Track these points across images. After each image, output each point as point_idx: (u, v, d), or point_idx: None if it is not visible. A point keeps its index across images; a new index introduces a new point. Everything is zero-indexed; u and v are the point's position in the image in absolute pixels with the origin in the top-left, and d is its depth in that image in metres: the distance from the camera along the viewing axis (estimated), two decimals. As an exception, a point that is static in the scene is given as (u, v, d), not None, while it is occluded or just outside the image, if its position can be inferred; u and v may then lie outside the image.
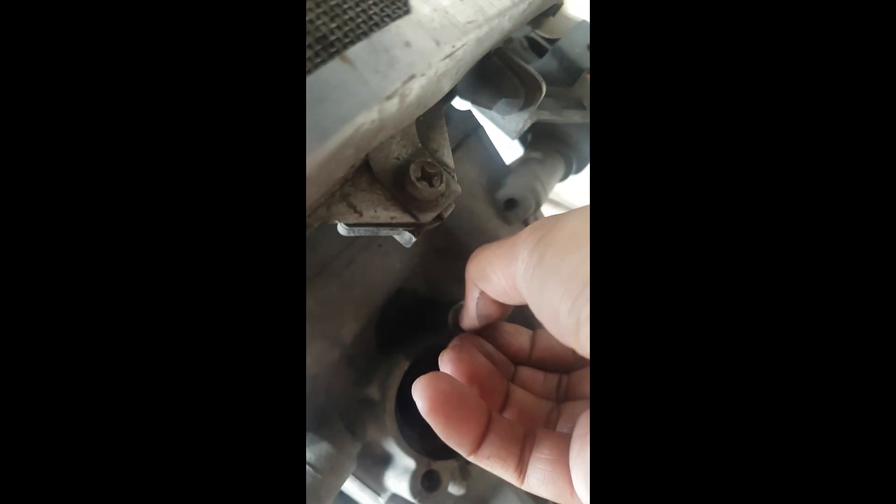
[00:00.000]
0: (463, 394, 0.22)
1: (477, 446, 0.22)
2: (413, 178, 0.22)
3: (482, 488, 0.46)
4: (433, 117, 0.25)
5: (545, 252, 0.19)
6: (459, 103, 0.35)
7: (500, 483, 0.46)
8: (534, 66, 0.34)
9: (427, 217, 0.22)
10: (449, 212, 0.24)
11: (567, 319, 0.18)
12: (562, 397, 0.26)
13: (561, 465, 0.21)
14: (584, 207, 0.20)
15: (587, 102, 0.37)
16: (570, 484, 0.21)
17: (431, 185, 0.22)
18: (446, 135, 0.25)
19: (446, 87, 0.21)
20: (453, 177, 0.24)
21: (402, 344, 0.34)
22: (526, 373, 0.27)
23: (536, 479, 0.22)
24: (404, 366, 0.33)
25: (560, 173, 0.39)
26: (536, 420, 0.25)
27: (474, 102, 0.28)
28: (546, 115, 0.33)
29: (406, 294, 0.36)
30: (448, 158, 0.24)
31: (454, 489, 0.39)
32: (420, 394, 0.22)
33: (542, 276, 0.19)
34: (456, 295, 0.37)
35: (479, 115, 0.36)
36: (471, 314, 0.26)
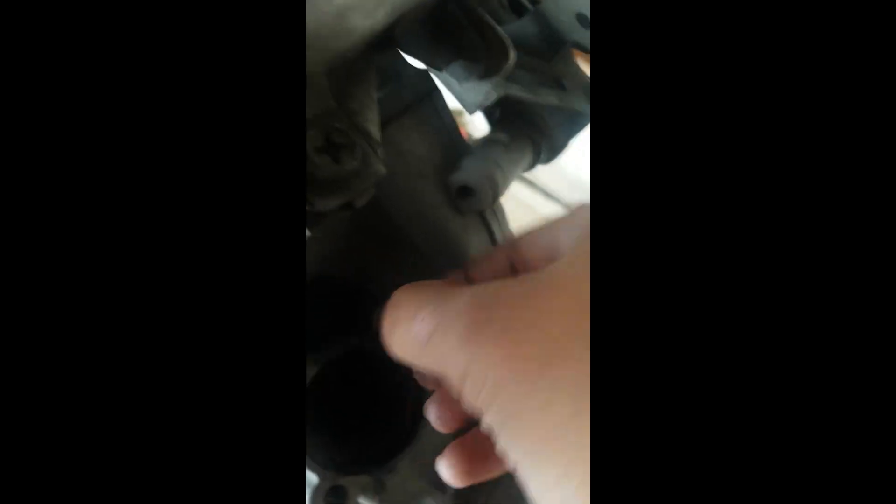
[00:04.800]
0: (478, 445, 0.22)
1: None
2: (310, 148, 0.16)
3: (402, 498, 0.42)
4: (357, 67, 0.19)
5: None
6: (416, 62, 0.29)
7: (421, 492, 0.43)
8: (507, 28, 0.28)
9: (326, 204, 0.16)
10: (365, 199, 0.18)
11: None
12: None
13: None
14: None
15: (569, 83, 0.31)
16: None
17: (337, 160, 0.16)
18: (374, 93, 0.19)
19: (360, 27, 0.15)
20: (376, 152, 0.18)
21: (313, 345, 0.29)
22: None
23: None
24: (310, 372, 0.28)
25: (526, 162, 0.33)
26: None
27: (422, 60, 0.22)
28: (516, 91, 0.28)
29: (327, 283, 0.30)
30: (372, 125, 0.19)
31: (366, 502, 0.35)
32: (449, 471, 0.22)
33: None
34: (389, 287, 0.32)
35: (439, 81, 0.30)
36: None
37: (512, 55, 0.21)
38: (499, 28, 0.21)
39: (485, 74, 0.22)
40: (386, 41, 0.20)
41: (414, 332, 0.18)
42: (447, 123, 0.31)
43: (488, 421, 0.16)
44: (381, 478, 0.36)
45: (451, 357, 0.17)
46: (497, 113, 0.34)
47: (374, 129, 0.19)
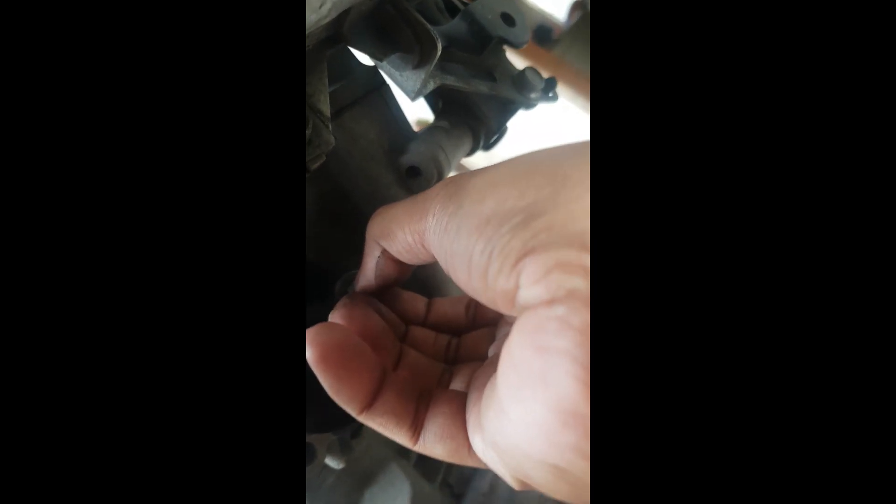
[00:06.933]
0: (356, 345, 0.21)
1: (370, 403, 0.21)
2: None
3: (367, 463, 0.45)
4: (311, 58, 0.22)
5: (462, 200, 0.19)
6: (366, 59, 0.33)
7: (386, 458, 0.46)
8: (442, 28, 0.32)
9: (286, 165, 0.20)
10: (317, 164, 0.22)
11: (479, 259, 0.17)
12: (452, 358, 0.26)
13: (457, 421, 0.21)
14: (500, 162, 0.19)
15: (499, 74, 0.36)
16: (465, 439, 0.20)
17: (294, 129, 0.20)
18: (326, 81, 0.23)
19: (308, 20, 0.19)
20: (327, 126, 0.22)
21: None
22: (418, 332, 0.27)
23: (432, 435, 0.21)
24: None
25: (467, 146, 0.37)
26: (429, 380, 0.24)
27: (367, 53, 0.26)
28: (451, 81, 0.32)
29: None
30: (323, 106, 0.22)
31: (333, 462, 0.38)
32: (309, 342, 0.20)
33: (457, 223, 0.18)
34: (349, 265, 0.35)
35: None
36: (368, 275, 0.25)
37: (439, 46, 0.25)
38: (427, 24, 0.25)
39: (418, 64, 0.26)
40: (335, 37, 0.24)
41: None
42: (395, 113, 0.35)
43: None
44: (346, 438, 0.39)
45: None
46: (440, 104, 0.39)
47: (325, 109, 0.23)
